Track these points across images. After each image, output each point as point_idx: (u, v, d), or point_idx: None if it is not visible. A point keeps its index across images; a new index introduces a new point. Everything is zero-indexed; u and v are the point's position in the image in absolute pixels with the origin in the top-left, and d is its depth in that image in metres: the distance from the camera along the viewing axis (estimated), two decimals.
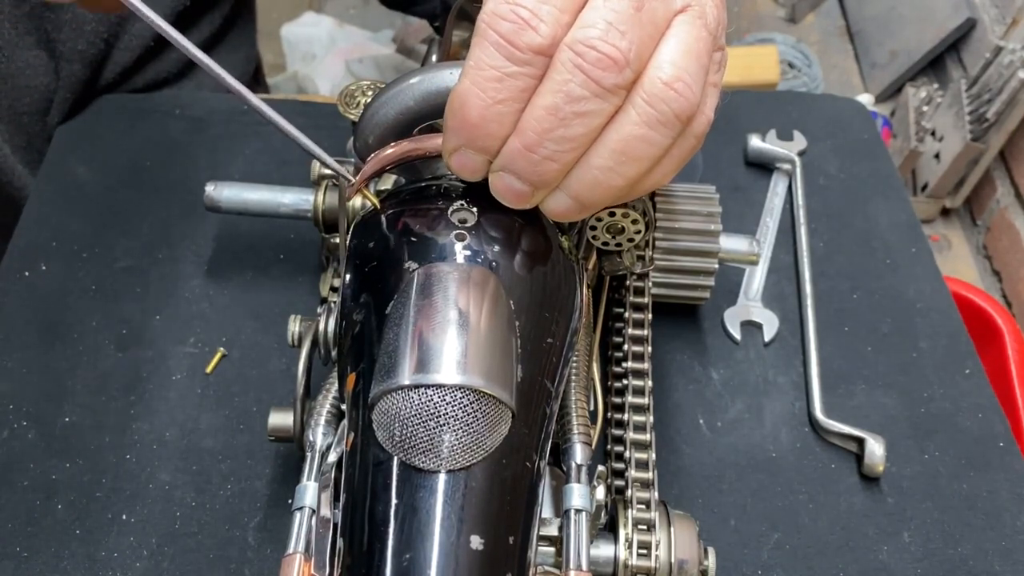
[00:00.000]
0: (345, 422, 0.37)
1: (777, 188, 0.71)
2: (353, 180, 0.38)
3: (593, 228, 0.46)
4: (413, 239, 0.37)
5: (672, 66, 0.33)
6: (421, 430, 0.32)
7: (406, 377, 0.33)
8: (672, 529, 0.42)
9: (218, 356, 0.58)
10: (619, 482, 0.48)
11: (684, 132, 0.34)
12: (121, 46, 0.71)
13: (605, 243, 0.50)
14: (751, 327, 0.62)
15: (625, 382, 0.50)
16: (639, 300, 0.52)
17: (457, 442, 0.32)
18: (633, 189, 0.35)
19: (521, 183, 0.34)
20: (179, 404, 0.55)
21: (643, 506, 0.43)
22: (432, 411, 0.32)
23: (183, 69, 0.77)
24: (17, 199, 0.70)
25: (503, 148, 0.34)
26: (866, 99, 1.98)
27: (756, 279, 0.64)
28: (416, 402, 0.33)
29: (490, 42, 0.32)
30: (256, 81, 0.91)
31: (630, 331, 0.51)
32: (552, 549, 0.40)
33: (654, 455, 0.47)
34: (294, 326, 0.47)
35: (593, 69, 0.32)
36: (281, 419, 0.47)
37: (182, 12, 0.73)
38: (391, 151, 0.38)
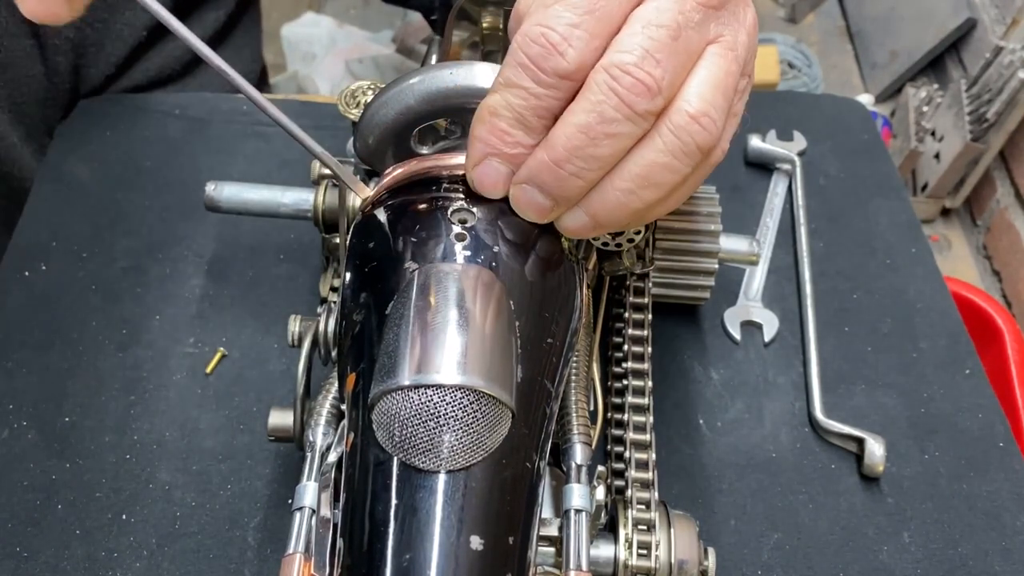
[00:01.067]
0: (345, 422, 0.37)
1: (777, 188, 0.71)
2: (365, 188, 0.39)
3: None
4: (413, 239, 0.37)
5: (699, 99, 0.34)
6: (421, 430, 0.32)
7: (406, 377, 0.33)
8: (672, 529, 0.42)
9: (218, 356, 0.58)
10: (619, 482, 0.48)
11: (702, 162, 0.35)
12: (112, 36, 0.71)
13: (605, 243, 0.50)
14: (751, 327, 0.62)
15: (625, 382, 0.50)
16: (639, 300, 0.52)
17: (457, 442, 0.32)
18: (648, 213, 0.36)
19: (543, 197, 0.35)
20: (179, 404, 0.55)
21: (643, 506, 0.43)
22: (432, 411, 0.32)
23: (186, 67, 0.77)
24: (21, 189, 0.70)
25: (529, 160, 0.35)
26: (866, 99, 1.98)
27: (756, 279, 0.64)
28: (416, 402, 0.33)
29: (519, 63, 0.33)
30: (262, 82, 0.91)
31: (630, 331, 0.51)
32: (552, 549, 0.40)
33: (654, 455, 0.47)
34: (294, 326, 0.47)
35: (627, 93, 0.32)
36: (281, 419, 0.47)
37: (181, 5, 0.73)
38: (412, 168, 0.38)
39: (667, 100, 0.33)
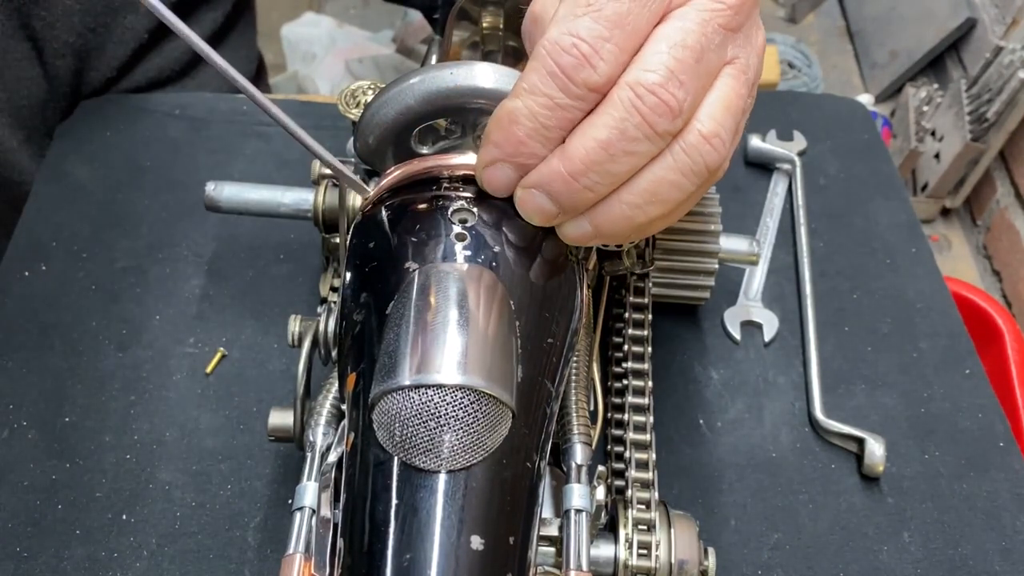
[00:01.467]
0: (345, 422, 0.37)
1: (777, 188, 0.71)
2: (367, 190, 0.39)
3: None
4: (413, 239, 0.37)
5: (712, 121, 0.34)
6: (421, 430, 0.32)
7: (406, 377, 0.33)
8: (672, 529, 0.42)
9: (218, 356, 0.58)
10: (619, 482, 0.48)
11: (707, 180, 0.35)
12: (114, 39, 0.71)
13: (605, 244, 0.50)
14: (751, 327, 0.62)
15: (625, 382, 0.50)
16: (639, 300, 0.52)
17: (457, 442, 0.32)
18: (649, 227, 0.36)
19: (551, 204, 0.35)
20: (179, 404, 0.55)
21: (643, 506, 0.43)
22: (432, 411, 0.32)
23: (185, 67, 0.77)
24: (19, 192, 0.70)
25: (542, 167, 0.35)
26: (866, 99, 1.98)
27: (756, 279, 0.64)
28: (416, 402, 0.33)
29: (547, 71, 0.33)
30: (259, 81, 0.91)
31: (630, 331, 0.51)
32: (552, 549, 0.40)
33: (654, 455, 0.47)
34: (294, 326, 0.47)
35: (650, 113, 0.33)
36: (281, 419, 0.47)
37: (180, 6, 0.73)
38: (412, 168, 0.38)
39: (686, 122, 0.34)
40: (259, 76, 0.90)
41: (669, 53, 0.33)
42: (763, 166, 0.72)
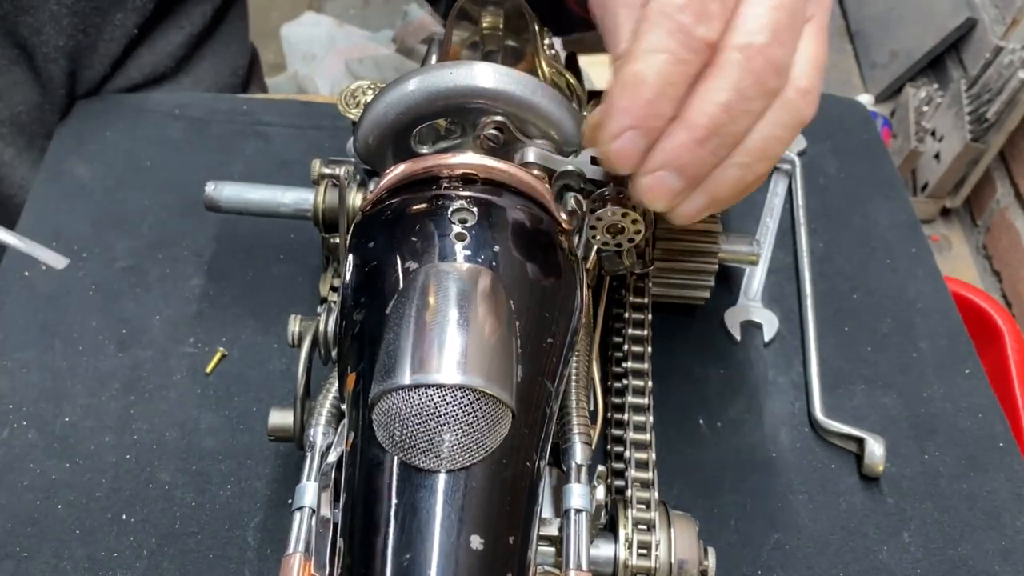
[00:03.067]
0: (345, 422, 0.37)
1: (777, 188, 0.71)
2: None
3: (593, 228, 0.46)
4: (413, 239, 0.37)
5: (806, 77, 0.36)
6: (421, 430, 0.32)
7: (406, 377, 0.33)
8: (672, 529, 0.42)
9: (218, 356, 0.58)
10: (619, 482, 0.48)
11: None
12: (105, 38, 0.71)
13: (605, 243, 0.50)
14: (751, 327, 0.62)
15: (625, 382, 0.50)
16: (639, 300, 0.52)
17: (457, 442, 0.32)
18: (751, 187, 0.37)
19: (679, 180, 0.35)
20: (179, 404, 0.55)
21: (643, 506, 0.43)
22: (432, 411, 0.32)
23: (179, 62, 0.77)
24: (16, 199, 0.70)
25: (665, 143, 0.35)
26: (866, 99, 1.98)
27: (756, 279, 0.64)
28: (416, 402, 0.33)
29: (667, 29, 0.34)
30: (255, 76, 0.90)
31: (630, 331, 0.51)
32: (552, 549, 0.40)
33: (654, 455, 0.47)
34: (294, 326, 0.47)
35: (762, 72, 0.34)
36: (281, 419, 0.47)
37: (169, 1, 0.73)
38: (412, 167, 0.38)
39: (787, 79, 0.35)
40: (252, 70, 0.89)
41: (768, 14, 0.34)
42: None
